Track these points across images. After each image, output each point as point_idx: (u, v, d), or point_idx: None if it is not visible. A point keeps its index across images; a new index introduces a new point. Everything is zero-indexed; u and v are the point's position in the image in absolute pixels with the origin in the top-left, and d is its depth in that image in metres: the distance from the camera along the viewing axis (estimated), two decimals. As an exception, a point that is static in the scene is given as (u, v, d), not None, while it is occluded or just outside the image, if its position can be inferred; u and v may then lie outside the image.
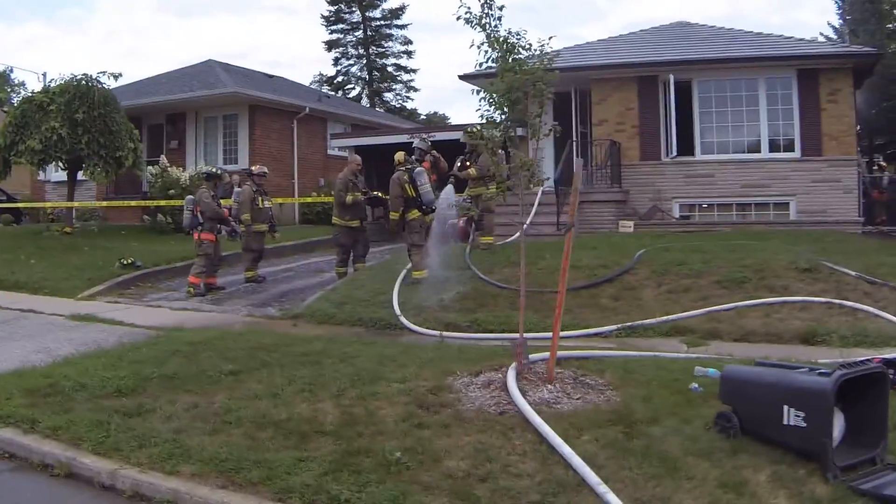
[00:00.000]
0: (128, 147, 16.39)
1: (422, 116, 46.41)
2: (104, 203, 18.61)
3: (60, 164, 16.65)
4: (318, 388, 5.67)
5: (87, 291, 11.78)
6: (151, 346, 7.30)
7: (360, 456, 4.43)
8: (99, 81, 16.55)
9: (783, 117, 16.16)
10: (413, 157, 11.71)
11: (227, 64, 25.54)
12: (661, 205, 16.57)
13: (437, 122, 44.59)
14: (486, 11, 5.88)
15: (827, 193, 15.73)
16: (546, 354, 5.88)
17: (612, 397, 5.39)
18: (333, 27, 44.51)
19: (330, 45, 44.64)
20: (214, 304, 11.10)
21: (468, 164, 11.81)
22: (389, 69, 45.53)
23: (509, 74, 5.71)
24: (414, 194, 10.75)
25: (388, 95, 45.39)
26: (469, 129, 12.52)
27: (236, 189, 12.99)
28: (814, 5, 76.81)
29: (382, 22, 44.48)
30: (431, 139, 20.05)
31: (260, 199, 12.51)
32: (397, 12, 44.14)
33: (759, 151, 16.35)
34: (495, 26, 5.93)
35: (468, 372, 5.91)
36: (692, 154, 16.65)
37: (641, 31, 20.28)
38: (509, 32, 5.95)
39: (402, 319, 9.09)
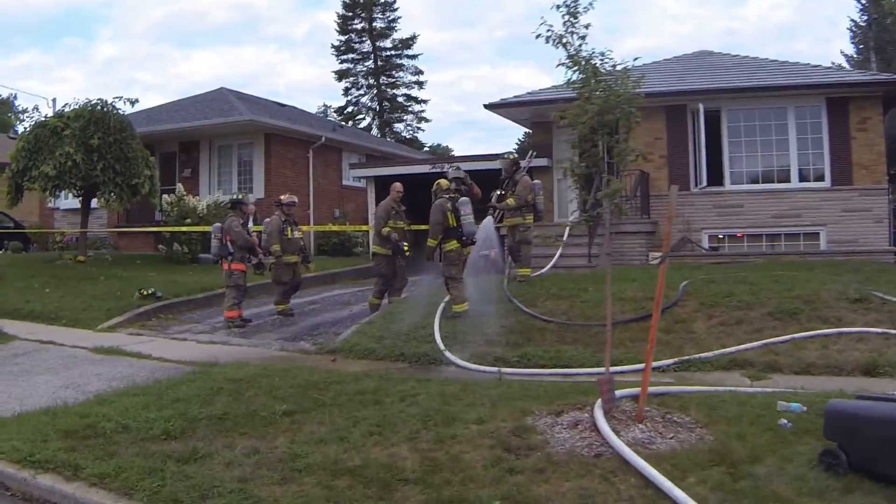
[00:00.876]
0: (144, 174, 16.03)
1: (426, 148, 46.27)
2: (119, 229, 18.13)
3: (74, 190, 16.21)
4: (387, 430, 5.24)
5: (106, 322, 11.34)
6: (190, 382, 6.85)
7: (454, 506, 3.98)
8: (115, 107, 16.26)
9: (812, 146, 15.93)
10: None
11: (239, 92, 25.39)
12: (690, 236, 16.22)
13: (441, 153, 44.46)
14: (569, 30, 5.54)
15: (858, 223, 15.46)
16: (631, 391, 5.48)
17: (703, 435, 5.10)
18: (344, 57, 44.55)
19: (340, 76, 44.66)
20: (243, 337, 10.65)
21: (505, 193, 11.45)
22: (400, 99, 45.44)
23: (598, 97, 5.34)
24: (455, 224, 10.34)
25: (399, 126, 45.31)
26: (507, 156, 12.30)
27: (265, 220, 12.57)
28: (812, 34, 77.30)
29: (393, 52, 44.52)
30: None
31: (289, 229, 12.11)
32: (408, 42, 44.30)
33: (788, 181, 16.08)
34: (579, 45, 5.58)
35: (547, 411, 5.52)
36: (721, 184, 16.36)
37: (665, 59, 20.09)
38: (593, 53, 5.59)
39: (448, 354, 8.67)
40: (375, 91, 44.62)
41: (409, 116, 45.86)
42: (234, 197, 12.29)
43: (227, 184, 21.80)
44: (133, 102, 16.67)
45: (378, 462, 4.65)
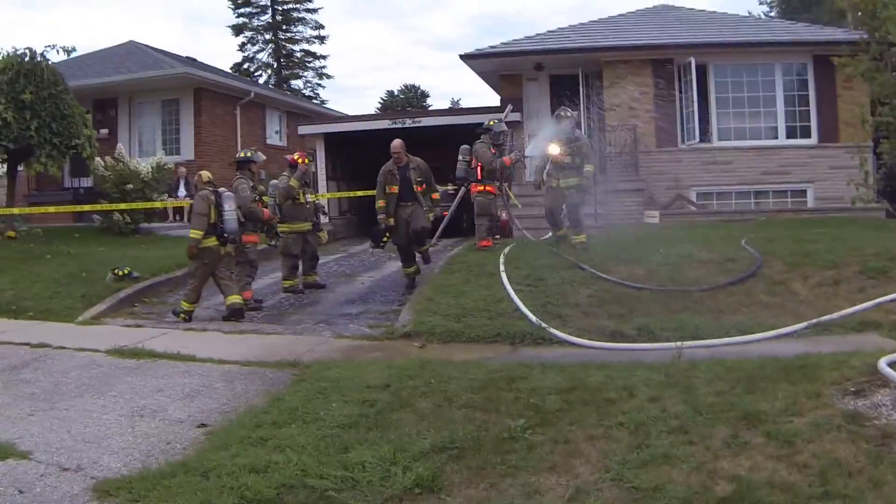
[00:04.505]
0: (84, 134, 13.59)
1: (326, 104, 43.71)
2: (87, 207, 15.19)
3: (2, 154, 13.50)
4: (693, 435, 4.09)
5: (88, 313, 9.31)
6: (321, 397, 5.25)
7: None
8: (45, 57, 13.63)
9: (799, 103, 15.83)
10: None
11: (149, 46, 22.58)
12: (683, 193, 15.77)
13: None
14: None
15: (844, 180, 15.42)
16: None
17: None
18: (241, 10, 41.17)
19: (237, 30, 41.29)
20: (271, 322, 9.01)
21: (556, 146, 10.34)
22: (298, 55, 42.60)
23: None
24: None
25: (298, 83, 42.49)
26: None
27: (272, 182, 10.72)
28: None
29: (293, 5, 41.51)
30: (418, 125, 18.52)
31: (301, 192, 10.43)
32: (308, -6, 41.44)
33: (776, 138, 15.90)
34: None
35: (837, 391, 4.63)
36: (709, 141, 15.95)
37: (630, 12, 19.48)
38: None
39: (556, 332, 7.51)
40: (273, 47, 41.59)
41: (309, 73, 43.20)
42: (243, 154, 10.20)
43: (150, 144, 19.50)
44: (69, 52, 14.04)
45: (752, 483, 3.51)
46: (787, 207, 15.47)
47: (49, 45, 13.63)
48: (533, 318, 7.88)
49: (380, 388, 5.36)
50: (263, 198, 10.16)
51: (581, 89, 16.56)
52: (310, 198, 10.76)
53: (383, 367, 6.10)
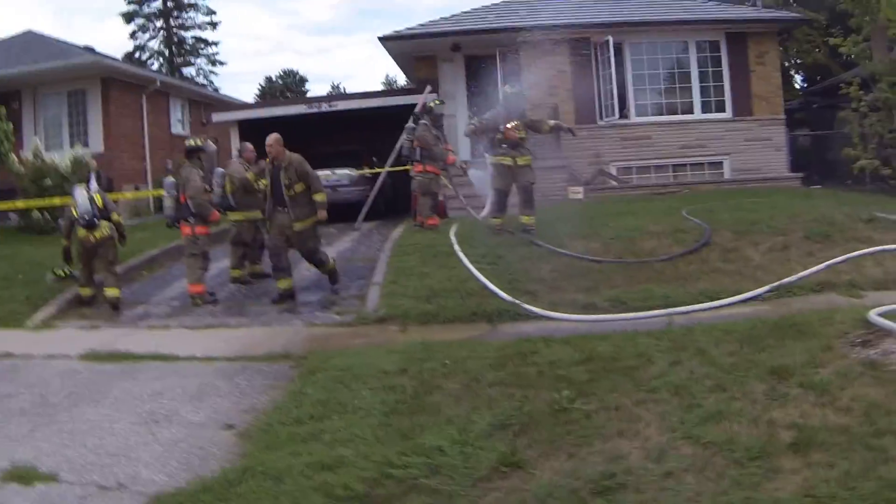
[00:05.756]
0: (1, 129, 12.61)
1: (220, 90, 42.24)
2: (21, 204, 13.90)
3: None
4: (744, 395, 4.27)
5: (37, 316, 8.69)
6: (343, 387, 5.07)
7: None
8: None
9: (714, 79, 16.48)
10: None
11: (48, 36, 21.17)
12: (605, 168, 16.20)
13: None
14: None
15: (759, 152, 16.35)
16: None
17: None
18: (131, -3, 39.09)
19: (128, 17, 39.15)
20: (234, 315, 8.69)
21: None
22: (190, 42, 40.93)
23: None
24: None
25: (191, 70, 40.78)
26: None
27: (218, 170, 10.25)
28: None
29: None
30: (334, 108, 18.20)
31: (256, 180, 10.07)
32: (200, -21, 39.76)
33: (692, 113, 16.52)
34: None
35: (846, 343, 4.94)
36: (627, 117, 16.42)
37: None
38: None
39: (533, 308, 7.62)
40: (165, 34, 39.74)
41: (202, 60, 41.55)
42: (192, 143, 9.69)
43: (57, 138, 18.26)
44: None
45: (810, 428, 3.73)
46: (706, 179, 16.12)
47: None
48: (505, 296, 7.95)
49: (397, 374, 5.29)
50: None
51: (498, 69, 16.69)
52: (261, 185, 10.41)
53: (386, 351, 6.04)
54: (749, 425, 3.85)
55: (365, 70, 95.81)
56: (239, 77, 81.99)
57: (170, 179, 9.70)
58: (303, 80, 50.18)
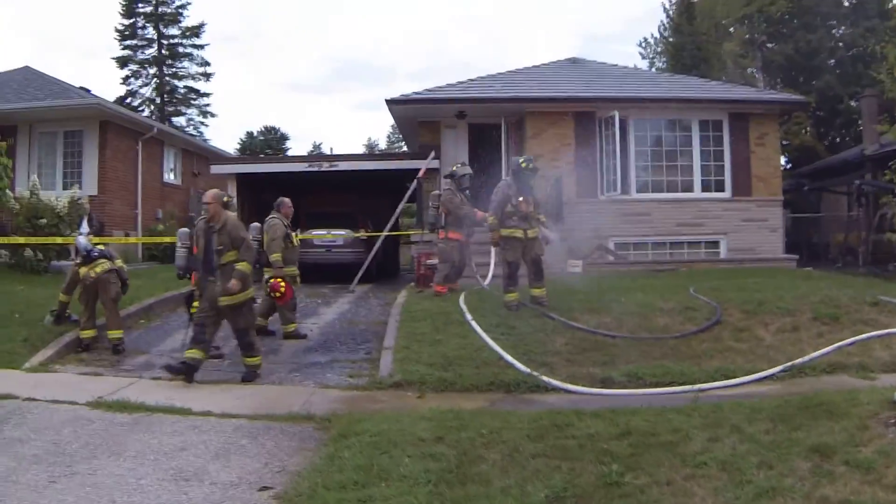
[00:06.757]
0: (1, 163, 12.45)
1: (208, 140, 42.31)
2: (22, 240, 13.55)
3: None
4: (791, 472, 4.25)
5: (34, 358, 8.44)
6: (380, 453, 4.92)
7: None
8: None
9: (715, 158, 16.75)
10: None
11: (45, 73, 21.18)
12: (603, 243, 16.27)
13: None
14: None
15: (755, 232, 16.52)
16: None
17: None
18: (127, 42, 39.32)
19: (122, 62, 39.34)
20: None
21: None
22: (182, 91, 41.09)
23: None
24: None
25: (181, 120, 40.84)
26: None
27: (253, 225, 10.07)
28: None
29: (180, 40, 40.10)
30: (334, 168, 18.26)
31: (295, 235, 10.01)
32: (196, 30, 40.08)
33: (692, 191, 16.75)
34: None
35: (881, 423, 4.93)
36: (628, 193, 16.60)
37: (544, 64, 20.15)
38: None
39: (553, 381, 7.53)
40: (157, 81, 39.92)
41: (193, 110, 41.71)
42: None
43: (50, 177, 18.02)
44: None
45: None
46: (702, 258, 16.23)
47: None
48: (522, 367, 7.86)
49: (434, 441, 5.14)
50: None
51: (503, 139, 16.89)
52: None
53: (418, 418, 5.86)
54: (803, 501, 3.85)
55: (342, 132, 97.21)
56: (217, 129, 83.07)
57: (184, 230, 9.56)
58: (284, 138, 50.52)
